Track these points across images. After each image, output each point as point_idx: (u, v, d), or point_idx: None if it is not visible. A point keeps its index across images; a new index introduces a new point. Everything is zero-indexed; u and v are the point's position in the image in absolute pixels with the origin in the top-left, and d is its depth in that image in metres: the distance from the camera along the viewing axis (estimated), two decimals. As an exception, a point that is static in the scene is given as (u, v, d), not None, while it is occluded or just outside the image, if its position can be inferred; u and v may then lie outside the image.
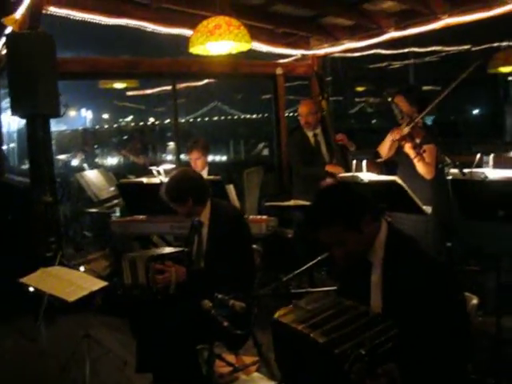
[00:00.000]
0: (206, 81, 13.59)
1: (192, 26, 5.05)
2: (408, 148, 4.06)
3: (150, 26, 5.95)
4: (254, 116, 22.26)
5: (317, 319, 1.96)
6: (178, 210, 3.50)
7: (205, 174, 5.20)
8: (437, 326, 1.97)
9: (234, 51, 4.94)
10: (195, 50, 4.71)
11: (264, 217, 4.58)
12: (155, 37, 6.22)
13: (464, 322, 2.07)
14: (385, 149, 4.29)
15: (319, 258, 3.01)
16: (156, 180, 4.61)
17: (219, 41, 4.51)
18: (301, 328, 1.93)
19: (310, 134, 5.52)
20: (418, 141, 4.03)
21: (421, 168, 4.07)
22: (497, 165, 3.13)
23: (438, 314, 1.98)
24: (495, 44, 11.52)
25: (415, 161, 4.05)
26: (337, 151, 5.24)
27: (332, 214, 2.12)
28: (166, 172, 4.72)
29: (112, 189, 6.66)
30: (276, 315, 2.09)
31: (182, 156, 7.44)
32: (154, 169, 4.76)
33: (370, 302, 2.18)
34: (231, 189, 4.58)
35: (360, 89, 18.22)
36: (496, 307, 3.49)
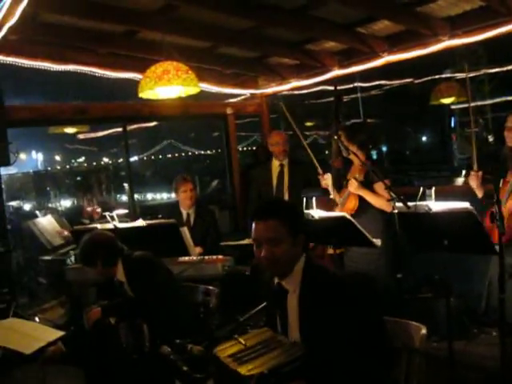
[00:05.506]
0: (156, 122, 13.67)
1: (141, 69, 5.11)
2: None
3: (99, 71, 5.99)
4: (208, 152, 22.28)
5: (246, 353, 2.11)
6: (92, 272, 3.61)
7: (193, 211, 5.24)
8: (349, 344, 2.11)
9: (183, 95, 5.02)
10: (145, 94, 4.77)
11: (220, 256, 4.58)
12: (105, 81, 6.25)
13: (378, 343, 2.18)
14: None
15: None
16: (110, 225, 4.59)
17: (168, 86, 4.59)
18: (228, 361, 2.08)
19: (276, 163, 5.48)
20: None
21: (381, 203, 4.08)
22: (438, 197, 3.29)
23: (350, 333, 2.12)
24: (436, 76, 11.97)
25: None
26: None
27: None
28: (119, 217, 4.72)
29: (66, 233, 6.57)
30: (216, 349, 2.19)
31: (136, 196, 7.39)
32: (107, 214, 4.74)
33: (288, 327, 2.31)
34: (185, 231, 4.58)
35: (309, 124, 18.65)
36: (448, 332, 3.61)
